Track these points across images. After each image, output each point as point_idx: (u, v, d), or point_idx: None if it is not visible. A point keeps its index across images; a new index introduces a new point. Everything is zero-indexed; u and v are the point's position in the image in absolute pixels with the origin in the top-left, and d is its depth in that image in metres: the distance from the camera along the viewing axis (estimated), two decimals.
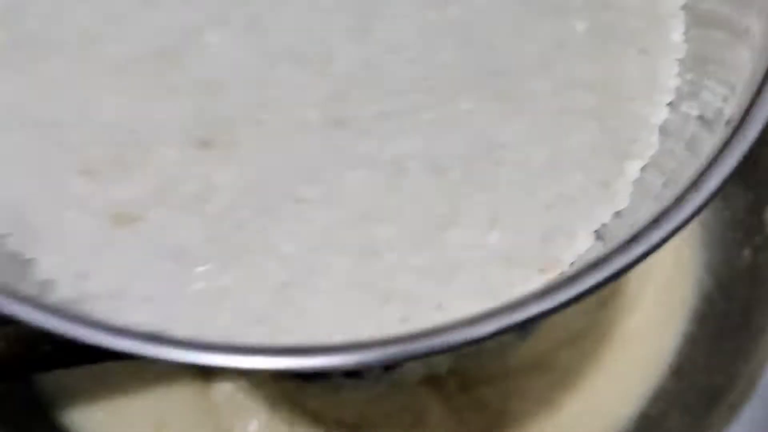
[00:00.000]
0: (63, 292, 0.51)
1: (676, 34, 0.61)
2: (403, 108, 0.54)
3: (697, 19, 0.61)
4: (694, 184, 0.47)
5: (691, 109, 0.58)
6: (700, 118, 0.56)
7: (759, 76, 0.50)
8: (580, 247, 0.55)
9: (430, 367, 0.95)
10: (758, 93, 0.49)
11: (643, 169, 0.58)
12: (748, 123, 0.49)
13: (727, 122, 0.50)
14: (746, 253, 1.03)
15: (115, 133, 0.53)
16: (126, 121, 0.54)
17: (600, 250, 0.54)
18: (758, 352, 0.94)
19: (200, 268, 0.53)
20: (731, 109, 0.52)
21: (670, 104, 0.59)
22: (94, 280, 0.52)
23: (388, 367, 0.93)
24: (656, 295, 1.05)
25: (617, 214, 0.57)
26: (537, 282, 0.54)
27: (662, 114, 0.59)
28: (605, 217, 0.56)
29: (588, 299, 0.84)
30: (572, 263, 0.55)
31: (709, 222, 1.08)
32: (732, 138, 0.49)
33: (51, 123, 0.54)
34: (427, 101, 0.54)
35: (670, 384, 1.02)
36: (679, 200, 0.47)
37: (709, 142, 0.52)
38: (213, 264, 0.52)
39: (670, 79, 0.60)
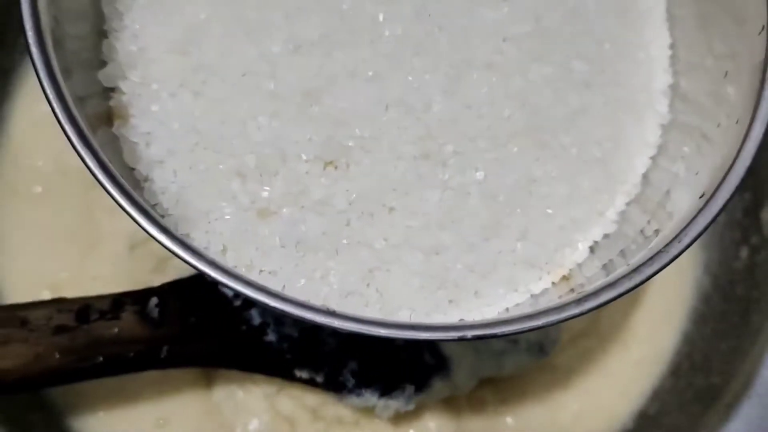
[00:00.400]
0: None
1: (663, 106, 0.78)
2: (471, 148, 0.71)
3: (680, 96, 0.78)
4: (677, 236, 0.65)
5: (669, 164, 0.76)
6: (676, 175, 0.73)
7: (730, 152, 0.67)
8: (578, 257, 0.74)
9: (456, 388, 0.98)
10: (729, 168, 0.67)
11: (627, 204, 0.76)
12: (719, 192, 0.66)
13: (702, 196, 0.66)
14: (744, 253, 1.06)
15: (264, 147, 0.68)
16: (273, 139, 0.69)
17: (593, 261, 0.73)
18: (755, 352, 0.97)
19: (314, 254, 0.69)
20: (704, 176, 0.69)
21: (652, 157, 0.77)
22: (231, 254, 0.69)
23: (419, 389, 0.96)
24: (655, 296, 1.09)
25: (606, 236, 0.75)
26: (545, 281, 0.73)
27: (645, 164, 0.77)
28: (598, 236, 0.75)
29: None
30: (570, 269, 0.74)
31: None
32: (706, 205, 0.65)
33: (215, 134, 0.69)
34: (489, 145, 0.71)
35: (668, 383, 1.07)
36: (666, 247, 0.65)
37: (684, 195, 0.70)
38: (324, 251, 0.69)
39: (655, 138, 0.78)
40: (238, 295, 0.89)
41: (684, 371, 1.05)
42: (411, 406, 0.96)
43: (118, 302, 0.88)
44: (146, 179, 0.69)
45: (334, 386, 0.95)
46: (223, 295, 0.92)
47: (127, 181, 0.63)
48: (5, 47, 1.07)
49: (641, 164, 0.77)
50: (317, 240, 0.69)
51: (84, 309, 0.87)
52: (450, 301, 0.71)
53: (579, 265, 0.74)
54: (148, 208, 0.62)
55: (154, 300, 0.89)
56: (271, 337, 0.92)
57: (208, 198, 0.69)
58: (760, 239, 1.03)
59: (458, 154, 0.71)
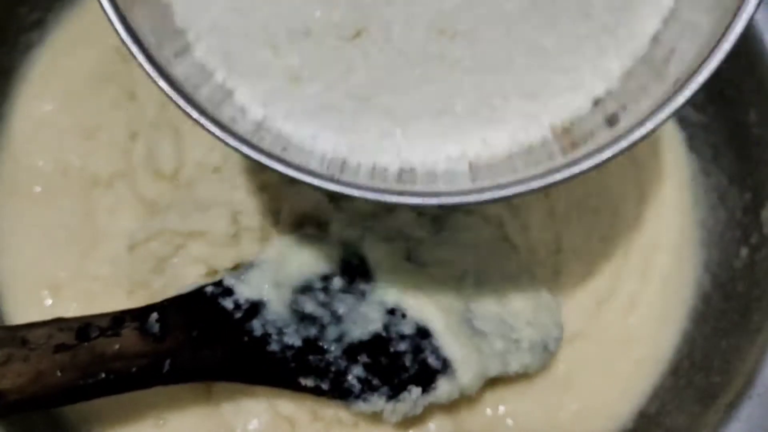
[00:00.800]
0: (250, 118, 0.75)
1: None
2: (476, 26, 0.75)
3: None
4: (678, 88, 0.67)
5: (678, 27, 0.77)
6: (683, 34, 0.75)
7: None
8: (581, 108, 0.77)
9: (464, 390, 0.99)
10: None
11: (633, 62, 0.78)
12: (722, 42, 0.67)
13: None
14: (743, 252, 1.07)
15: (293, 21, 0.75)
16: (304, 15, 0.75)
17: (594, 115, 0.77)
18: (755, 351, 0.98)
19: (340, 118, 0.76)
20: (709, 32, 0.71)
21: (663, 20, 0.79)
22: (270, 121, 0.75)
23: (426, 390, 0.98)
24: (655, 295, 1.11)
25: (609, 92, 0.77)
26: (544, 127, 0.77)
27: (656, 26, 0.79)
28: (601, 92, 0.77)
29: (586, 297, 1.10)
30: (572, 122, 0.77)
31: (707, 222, 1.13)
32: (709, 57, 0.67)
33: (249, 9, 0.75)
34: (498, 20, 0.76)
35: (668, 382, 1.08)
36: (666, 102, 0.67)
37: (689, 50, 0.73)
38: (348, 114, 0.76)
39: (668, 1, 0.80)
40: (238, 306, 0.96)
41: (684, 370, 1.07)
42: (419, 410, 0.98)
43: (118, 319, 0.91)
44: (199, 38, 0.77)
45: (341, 393, 0.97)
46: (224, 308, 0.95)
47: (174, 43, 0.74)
48: (6, 46, 1.10)
49: (651, 26, 0.79)
50: (342, 104, 0.76)
51: (84, 327, 0.89)
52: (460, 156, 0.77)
53: (580, 119, 0.77)
54: (179, 81, 0.70)
55: (154, 315, 0.92)
56: (273, 347, 0.95)
57: (251, 61, 0.76)
58: (760, 238, 1.05)
59: (462, 36, 0.76)
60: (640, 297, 1.10)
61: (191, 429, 1.02)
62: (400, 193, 0.70)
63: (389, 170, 0.75)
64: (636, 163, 1.17)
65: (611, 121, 0.74)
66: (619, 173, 1.15)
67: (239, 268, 1.00)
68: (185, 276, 1.01)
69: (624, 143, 0.67)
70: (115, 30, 0.68)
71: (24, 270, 1.07)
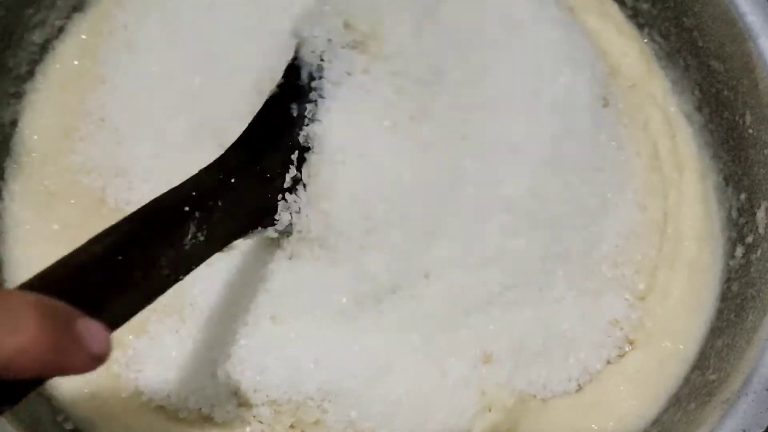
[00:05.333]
0: None
1: None
2: None
3: None
4: None
5: None
6: None
7: None
8: None
9: None
10: None
11: None
12: None
13: None
14: (739, 252, 1.08)
15: None
16: None
17: None
18: (751, 349, 0.99)
19: None
20: None
21: None
22: None
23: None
24: (685, 283, 1.10)
25: None
26: None
27: None
28: None
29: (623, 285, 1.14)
30: None
31: (703, 221, 1.13)
32: None
33: None
34: None
35: None
36: None
37: None
38: None
39: None
40: None
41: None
42: None
43: None
44: None
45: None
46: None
47: None
48: (12, 47, 1.10)
49: None
50: None
51: None
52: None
53: None
54: None
55: None
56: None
57: None
58: (756, 238, 1.06)
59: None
60: (672, 284, 1.10)
61: None
62: None
63: None
64: (656, 149, 1.16)
65: None
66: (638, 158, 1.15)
67: None
68: None
69: None
70: None
71: (22, 270, 1.03)
